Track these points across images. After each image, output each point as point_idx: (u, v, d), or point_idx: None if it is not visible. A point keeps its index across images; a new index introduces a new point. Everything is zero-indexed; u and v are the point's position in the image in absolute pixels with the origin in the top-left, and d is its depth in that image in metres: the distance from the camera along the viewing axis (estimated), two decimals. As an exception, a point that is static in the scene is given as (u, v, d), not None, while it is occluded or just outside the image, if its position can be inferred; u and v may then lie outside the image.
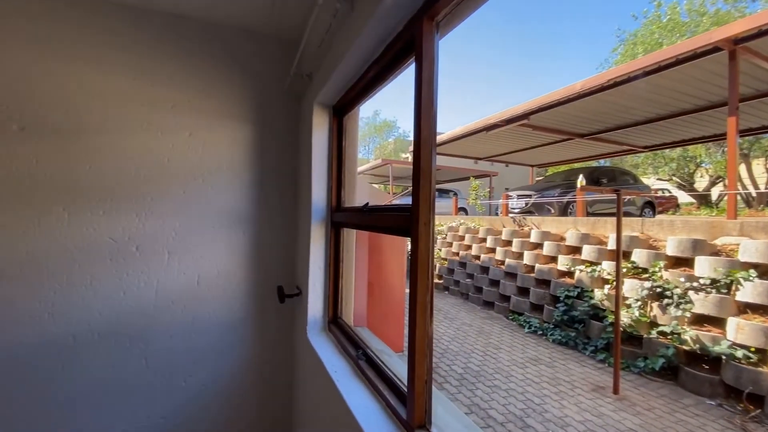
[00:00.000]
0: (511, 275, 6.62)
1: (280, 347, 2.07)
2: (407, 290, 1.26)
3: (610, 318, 4.55)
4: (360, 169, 14.27)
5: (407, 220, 0.99)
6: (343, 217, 1.67)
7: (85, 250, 1.70)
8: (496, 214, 10.61)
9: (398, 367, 1.23)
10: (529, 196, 8.48)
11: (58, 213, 1.66)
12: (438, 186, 14.43)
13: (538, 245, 6.32)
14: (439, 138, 9.89)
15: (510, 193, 9.14)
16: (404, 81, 1.25)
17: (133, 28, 1.76)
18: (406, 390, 0.99)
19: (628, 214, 7.86)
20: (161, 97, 1.81)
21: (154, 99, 1.80)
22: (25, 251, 1.61)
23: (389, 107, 69.75)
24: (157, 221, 1.81)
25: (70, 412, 1.67)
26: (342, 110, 1.74)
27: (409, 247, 0.97)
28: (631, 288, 4.47)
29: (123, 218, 1.76)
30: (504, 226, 7.62)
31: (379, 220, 1.24)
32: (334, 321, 1.81)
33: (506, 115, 7.44)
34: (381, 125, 34.34)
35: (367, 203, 1.36)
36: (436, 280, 8.81)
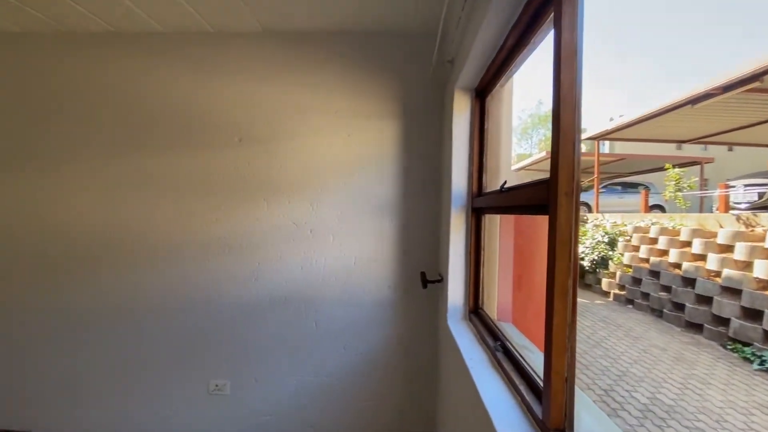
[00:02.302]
0: (731, 291, 4.94)
1: (424, 329, 2.13)
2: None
3: None
4: (522, 164, 13.29)
5: (544, 191, 0.86)
6: (483, 203, 1.59)
7: (277, 231, 2.15)
8: (710, 211, 8.11)
9: (541, 365, 1.08)
10: (766, 185, 6.12)
11: (261, 203, 2.15)
12: (620, 179, 12.12)
13: (783, 253, 4.49)
14: (620, 121, 8.24)
15: (733, 183, 6.81)
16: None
17: (301, 51, 2.13)
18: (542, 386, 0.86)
19: None
20: (327, 106, 2.13)
21: (322, 108, 2.13)
22: (241, 231, 2.15)
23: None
24: (324, 209, 2.13)
25: (262, 355, 2.14)
26: (484, 91, 1.66)
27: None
28: None
29: (301, 207, 2.14)
30: (721, 226, 5.74)
31: (515, 198, 1.12)
32: (474, 311, 1.74)
33: (724, 80, 5.57)
34: (545, 116, 31.10)
35: (505, 182, 1.25)
36: (616, 291, 7.38)
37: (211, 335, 2.15)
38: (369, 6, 1.86)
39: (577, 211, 0.78)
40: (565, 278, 0.78)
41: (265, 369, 2.14)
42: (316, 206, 2.14)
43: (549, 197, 0.83)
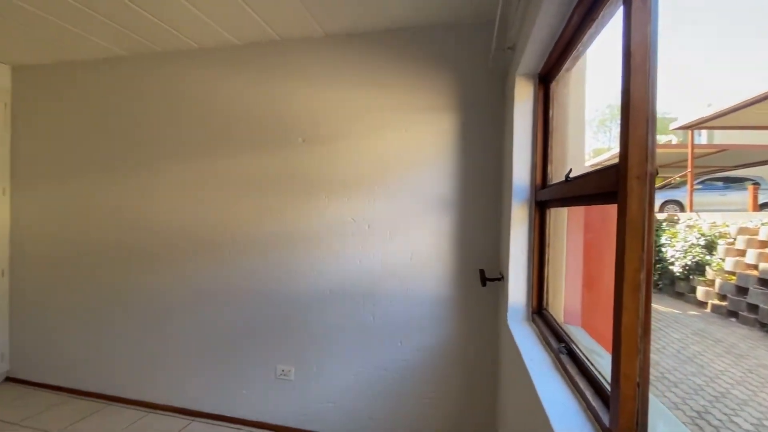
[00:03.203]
0: None
1: (483, 329, 2.05)
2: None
3: None
4: (600, 158, 12.17)
5: (612, 176, 0.78)
6: (547, 195, 1.49)
7: (337, 226, 2.23)
8: None
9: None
10: None
11: (322, 199, 2.25)
12: (722, 174, 10.49)
13: None
14: (721, 107, 7.13)
15: None
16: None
17: (359, 51, 2.18)
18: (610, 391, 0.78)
19: None
20: (384, 103, 2.16)
21: (380, 105, 2.16)
22: (304, 226, 2.27)
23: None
24: (382, 205, 2.16)
25: (323, 345, 2.24)
26: (548, 76, 1.55)
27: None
28: None
29: (360, 202, 2.20)
30: None
31: (581, 187, 1.03)
32: (538, 312, 1.63)
33: None
34: (626, 107, 27.92)
35: (570, 170, 1.15)
36: (715, 301, 6.41)
37: (278, 322, 2.30)
38: (423, 1, 1.85)
39: (651, 196, 0.70)
40: (637, 271, 0.70)
41: (325, 358, 2.24)
42: (373, 202, 2.18)
43: (618, 182, 0.75)
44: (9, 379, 2.88)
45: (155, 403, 2.52)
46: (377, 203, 2.17)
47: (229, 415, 2.39)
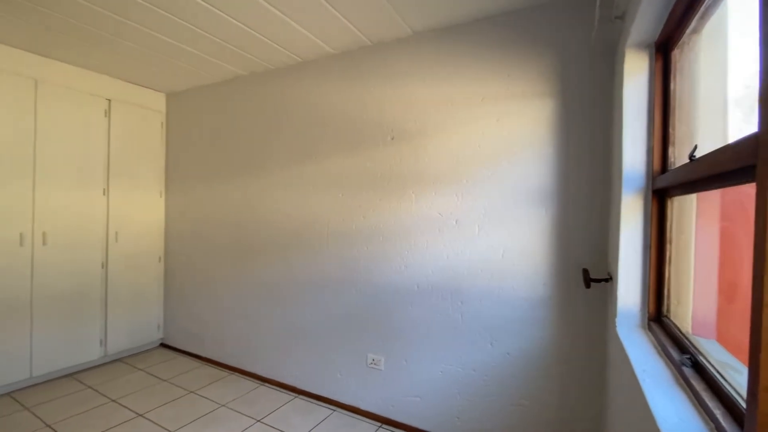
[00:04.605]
0: None
1: (586, 336, 1.85)
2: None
3: None
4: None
5: (749, 148, 0.64)
6: (667, 181, 1.27)
7: (424, 222, 2.25)
8: None
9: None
10: None
11: (409, 195, 2.31)
12: None
13: None
14: None
15: None
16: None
17: (447, 45, 2.16)
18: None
19: None
20: (474, 94, 2.11)
21: (469, 97, 2.12)
22: (392, 221, 2.35)
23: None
24: (470, 199, 2.12)
25: (411, 338, 2.27)
26: (667, 43, 1.33)
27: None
28: None
29: (447, 197, 2.18)
30: None
31: (710, 165, 0.86)
32: (656, 319, 1.41)
33: None
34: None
35: (695, 147, 0.97)
36: None
37: (368, 312, 2.43)
38: (517, -20, 1.76)
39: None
40: (784, 260, 0.56)
41: (413, 352, 2.27)
42: (461, 197, 2.14)
43: (757, 155, 0.61)
44: (162, 345, 3.60)
45: (265, 377, 2.88)
46: (465, 198, 2.13)
47: (326, 395, 2.60)
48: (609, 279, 1.66)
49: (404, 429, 2.28)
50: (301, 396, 2.68)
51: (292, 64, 2.77)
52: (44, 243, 2.76)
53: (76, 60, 2.82)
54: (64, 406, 2.47)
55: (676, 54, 1.32)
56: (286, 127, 2.80)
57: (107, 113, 3.12)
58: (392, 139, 2.36)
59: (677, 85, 1.33)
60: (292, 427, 2.29)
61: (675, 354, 1.09)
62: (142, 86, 3.37)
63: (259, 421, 2.36)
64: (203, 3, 2.00)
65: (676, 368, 1.03)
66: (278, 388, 2.78)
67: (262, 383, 2.87)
